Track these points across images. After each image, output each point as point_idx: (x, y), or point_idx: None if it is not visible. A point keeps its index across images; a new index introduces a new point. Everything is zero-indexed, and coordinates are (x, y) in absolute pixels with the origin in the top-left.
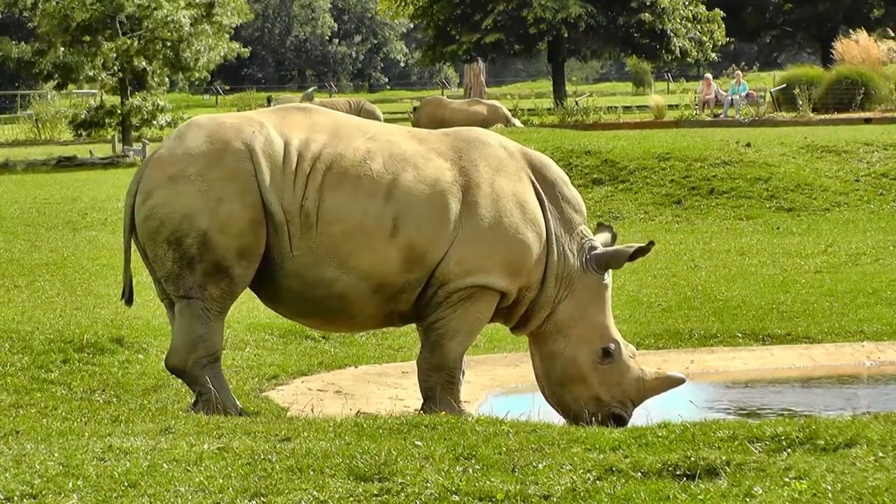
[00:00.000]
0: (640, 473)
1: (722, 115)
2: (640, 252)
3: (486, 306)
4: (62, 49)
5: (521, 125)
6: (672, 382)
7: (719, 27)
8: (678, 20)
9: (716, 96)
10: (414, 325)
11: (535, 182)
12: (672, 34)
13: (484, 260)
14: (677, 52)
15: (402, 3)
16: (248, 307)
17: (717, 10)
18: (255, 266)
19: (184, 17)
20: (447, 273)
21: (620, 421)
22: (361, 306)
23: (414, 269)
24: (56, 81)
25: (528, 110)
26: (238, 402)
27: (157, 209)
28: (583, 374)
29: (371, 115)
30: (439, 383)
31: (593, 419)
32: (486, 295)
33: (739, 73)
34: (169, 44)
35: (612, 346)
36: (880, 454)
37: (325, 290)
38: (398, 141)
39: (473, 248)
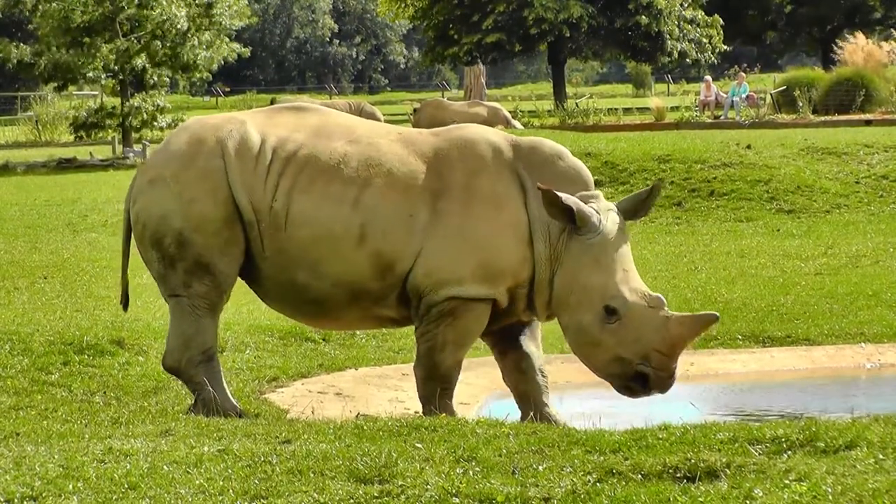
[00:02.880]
0: (640, 475)
1: (722, 117)
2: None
3: (474, 317)
4: (62, 50)
5: (522, 127)
6: (701, 322)
7: (718, 33)
8: (675, 23)
9: (716, 98)
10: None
11: (522, 171)
12: (668, 36)
13: (454, 270)
14: (675, 54)
15: (403, 5)
16: (248, 309)
17: (716, 16)
18: (237, 261)
19: (181, 14)
20: (418, 285)
21: (644, 380)
22: (341, 311)
23: (386, 276)
24: (56, 83)
25: (529, 112)
26: (235, 402)
27: (140, 213)
28: (595, 339)
29: (371, 117)
30: (435, 392)
31: (618, 382)
32: (469, 307)
33: (742, 74)
34: (168, 43)
35: (615, 302)
36: (880, 456)
37: (301, 294)
38: (381, 144)
39: (442, 259)
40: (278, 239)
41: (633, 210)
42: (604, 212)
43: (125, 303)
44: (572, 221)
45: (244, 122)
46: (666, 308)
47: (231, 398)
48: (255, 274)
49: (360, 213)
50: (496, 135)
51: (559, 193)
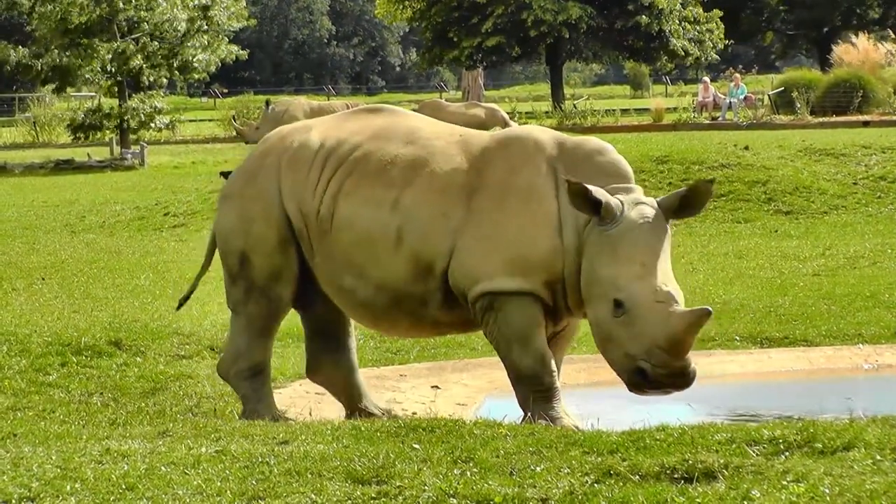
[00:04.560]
0: (637, 476)
1: (720, 118)
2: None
3: (519, 312)
4: (59, 52)
5: None
6: (691, 317)
7: (718, 27)
8: (676, 22)
9: (714, 99)
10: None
11: (559, 167)
12: (670, 36)
13: (483, 266)
14: (676, 53)
15: (401, 6)
16: None
17: (715, 10)
18: (290, 287)
19: (180, 16)
20: (456, 284)
21: (643, 375)
22: (390, 315)
23: (427, 278)
24: (54, 85)
25: (527, 113)
26: (278, 415)
27: (215, 226)
28: (608, 333)
29: None
30: (529, 394)
31: (626, 378)
32: (509, 301)
33: (738, 76)
34: (166, 45)
35: (621, 295)
36: (878, 457)
37: (350, 299)
38: (435, 145)
39: (472, 256)
40: (325, 243)
41: (676, 207)
42: (630, 204)
43: (183, 302)
44: (597, 213)
45: (309, 129)
46: (676, 304)
47: (274, 412)
48: (317, 279)
49: (398, 216)
50: (543, 133)
51: (588, 186)
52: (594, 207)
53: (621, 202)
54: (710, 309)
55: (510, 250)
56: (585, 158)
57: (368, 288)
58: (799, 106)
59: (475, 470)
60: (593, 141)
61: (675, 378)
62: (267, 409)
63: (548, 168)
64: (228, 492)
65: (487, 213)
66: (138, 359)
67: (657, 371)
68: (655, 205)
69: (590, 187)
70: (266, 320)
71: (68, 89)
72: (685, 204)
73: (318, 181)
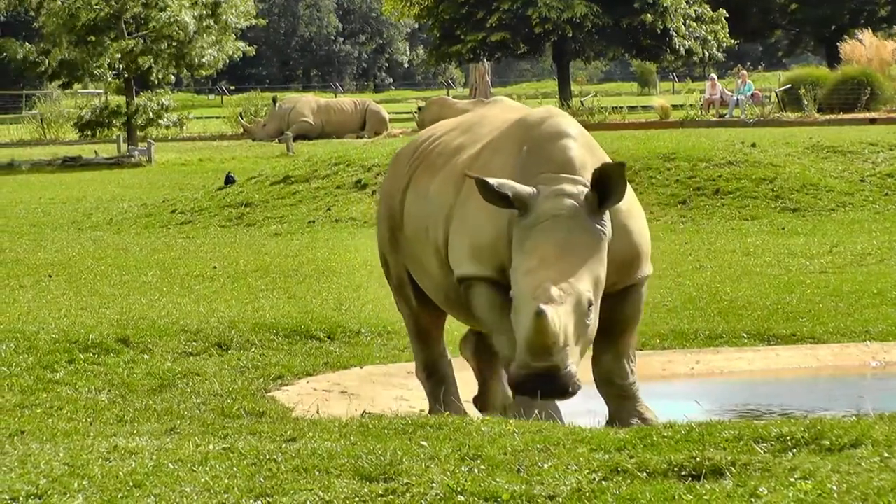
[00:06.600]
0: (645, 474)
1: (727, 116)
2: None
3: (482, 295)
4: (67, 49)
5: None
6: (534, 317)
7: (723, 27)
8: (681, 20)
9: (721, 96)
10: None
11: (523, 152)
12: (675, 34)
13: (456, 252)
14: (681, 51)
15: (408, 3)
16: (253, 307)
17: (721, 10)
18: (409, 284)
19: (188, 16)
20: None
21: (507, 376)
22: (458, 309)
23: (447, 268)
24: (61, 81)
25: None
26: (461, 407)
27: None
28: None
29: (376, 116)
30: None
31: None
32: (475, 287)
33: (745, 73)
34: (175, 43)
35: (515, 290)
36: (886, 454)
37: (429, 292)
38: (480, 134)
39: (452, 243)
40: (404, 236)
41: (596, 201)
42: (547, 195)
43: None
44: (511, 206)
45: (434, 127)
46: (545, 303)
47: (453, 409)
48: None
49: (428, 207)
50: (535, 114)
51: (490, 180)
52: (505, 200)
53: (536, 192)
54: (543, 310)
55: (469, 238)
56: (536, 146)
57: (429, 280)
58: (806, 103)
59: (483, 467)
60: (553, 123)
61: (536, 380)
62: (453, 409)
63: (516, 157)
64: (236, 489)
65: (464, 202)
66: (146, 356)
67: (517, 371)
68: (582, 198)
69: (493, 181)
70: (415, 321)
71: (76, 86)
72: (602, 195)
73: (404, 177)
